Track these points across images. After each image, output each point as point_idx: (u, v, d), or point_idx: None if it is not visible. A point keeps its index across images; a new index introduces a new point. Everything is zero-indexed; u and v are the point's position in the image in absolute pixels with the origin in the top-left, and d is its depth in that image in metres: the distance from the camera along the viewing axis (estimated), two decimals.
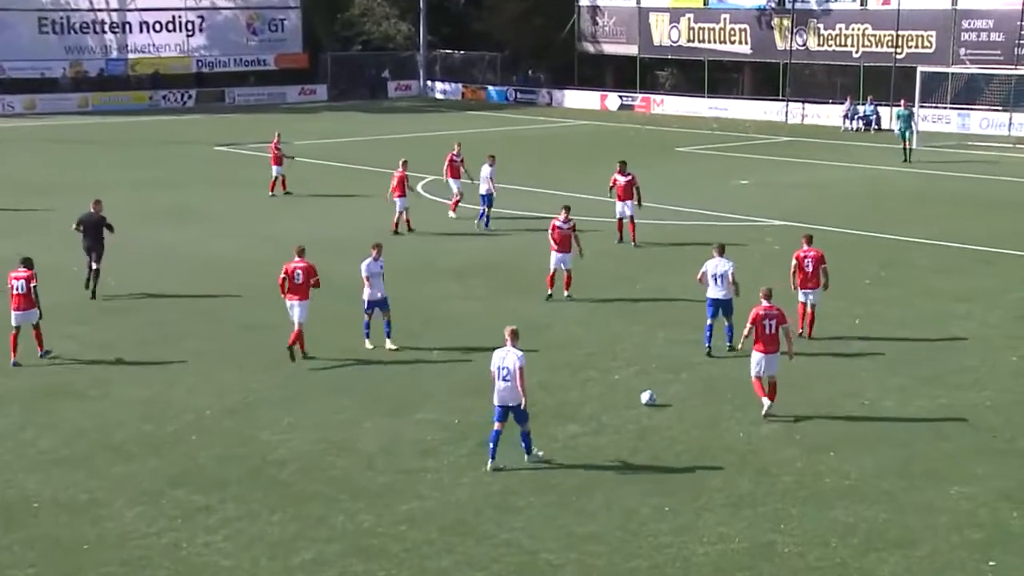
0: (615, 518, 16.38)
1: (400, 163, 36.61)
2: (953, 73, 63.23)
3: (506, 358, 18.00)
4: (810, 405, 20.75)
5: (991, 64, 62.55)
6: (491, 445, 18.01)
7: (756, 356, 20.23)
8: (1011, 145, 57.12)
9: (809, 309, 24.66)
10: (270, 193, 42.77)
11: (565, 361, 23.35)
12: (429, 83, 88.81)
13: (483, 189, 36.54)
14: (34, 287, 23.38)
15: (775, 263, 31.50)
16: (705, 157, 54.02)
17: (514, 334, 18.27)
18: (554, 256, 28.25)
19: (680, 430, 19.68)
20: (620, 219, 34.64)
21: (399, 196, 35.85)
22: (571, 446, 18.99)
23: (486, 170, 36.47)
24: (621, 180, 34.44)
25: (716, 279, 23.70)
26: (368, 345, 23.98)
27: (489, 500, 16.94)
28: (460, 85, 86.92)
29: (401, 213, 36.03)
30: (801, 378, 22.10)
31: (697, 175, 48.08)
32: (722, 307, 23.70)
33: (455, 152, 38.96)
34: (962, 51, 63.52)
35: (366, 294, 23.87)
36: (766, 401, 20.11)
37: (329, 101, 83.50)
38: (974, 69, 62.83)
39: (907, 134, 51.73)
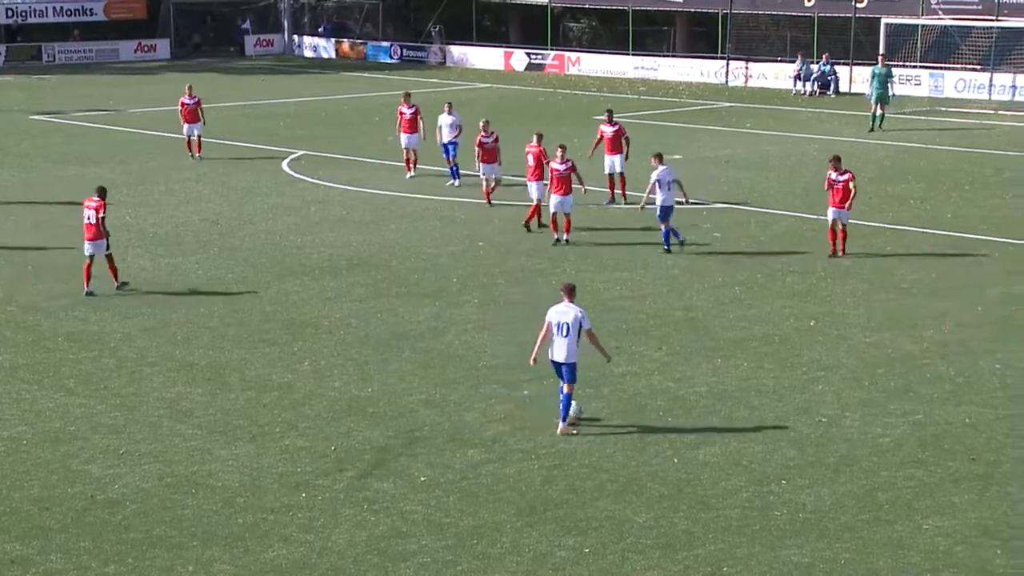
0: (524, 563, 16.42)
1: (534, 137, 34.95)
2: (924, 25, 64.24)
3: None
4: (757, 425, 20.97)
5: (968, 15, 63.64)
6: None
7: None
8: (992, 112, 58.17)
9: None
10: (188, 155, 45.53)
11: (462, 374, 23.36)
12: (296, 38, 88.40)
13: (447, 136, 40.00)
14: (102, 218, 28.17)
15: (714, 252, 31.83)
16: (629, 127, 54.23)
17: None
18: (554, 199, 32.22)
19: (602, 455, 19.77)
20: (610, 175, 36.94)
21: (536, 179, 34.10)
22: (471, 476, 19.01)
23: (448, 119, 39.91)
24: (608, 131, 37.00)
25: (663, 185, 31.10)
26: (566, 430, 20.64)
27: (373, 544, 16.91)
28: (333, 40, 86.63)
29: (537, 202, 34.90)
30: (746, 393, 22.34)
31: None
32: (666, 213, 31.35)
33: (404, 104, 41.67)
34: (934, 0, 64.57)
35: (550, 351, 20.61)
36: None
37: (173, 59, 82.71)
38: (948, 21, 63.89)
39: (882, 98, 52.26)
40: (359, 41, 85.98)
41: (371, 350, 24.62)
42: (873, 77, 53.10)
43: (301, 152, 47.01)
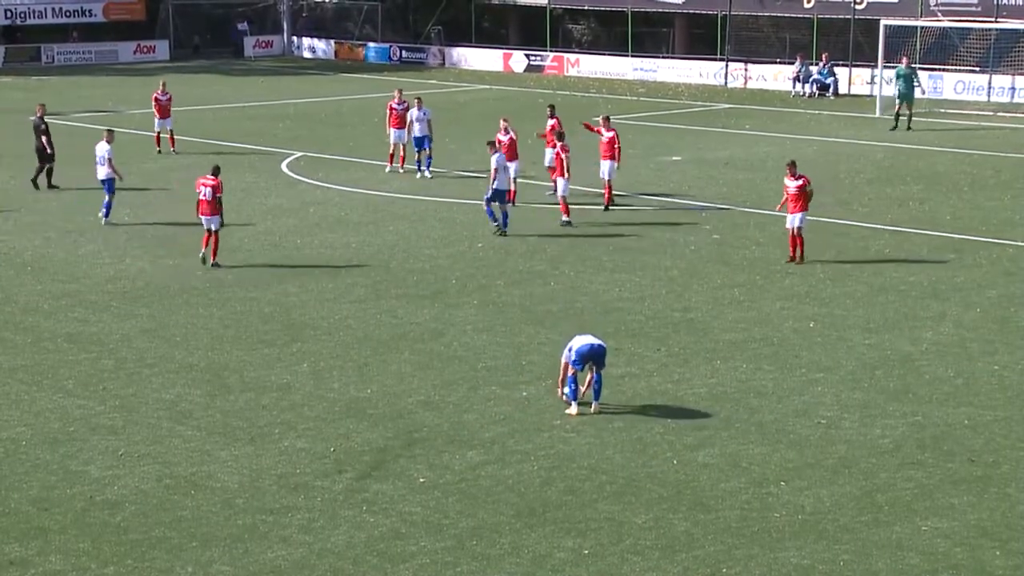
0: (523, 565, 16.41)
1: (602, 118, 37.47)
2: (922, 27, 64.26)
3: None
4: (757, 427, 20.98)
5: (966, 17, 63.63)
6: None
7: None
8: (990, 113, 58.18)
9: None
10: (157, 150, 46.95)
11: (461, 375, 23.36)
12: (295, 39, 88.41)
13: (417, 131, 41.60)
14: (219, 197, 30.47)
15: (713, 253, 31.83)
16: (629, 128, 54.23)
17: None
18: (561, 183, 34.69)
19: (601, 457, 19.77)
20: (550, 167, 37.00)
21: (607, 158, 36.90)
22: (470, 478, 19.00)
23: (415, 113, 41.75)
24: (549, 124, 37.79)
25: (501, 170, 33.34)
26: (572, 410, 21.37)
27: (372, 545, 16.90)
28: (332, 42, 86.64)
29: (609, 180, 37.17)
30: (745, 394, 22.34)
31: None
32: (496, 196, 33.53)
33: (396, 100, 42.77)
34: (933, 1, 64.58)
35: (575, 340, 21.48)
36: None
37: (172, 61, 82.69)
38: (947, 22, 63.91)
39: (907, 97, 52.43)
40: (358, 42, 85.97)
41: (370, 351, 24.61)
42: (898, 77, 53.22)
43: (300, 153, 47.03)
